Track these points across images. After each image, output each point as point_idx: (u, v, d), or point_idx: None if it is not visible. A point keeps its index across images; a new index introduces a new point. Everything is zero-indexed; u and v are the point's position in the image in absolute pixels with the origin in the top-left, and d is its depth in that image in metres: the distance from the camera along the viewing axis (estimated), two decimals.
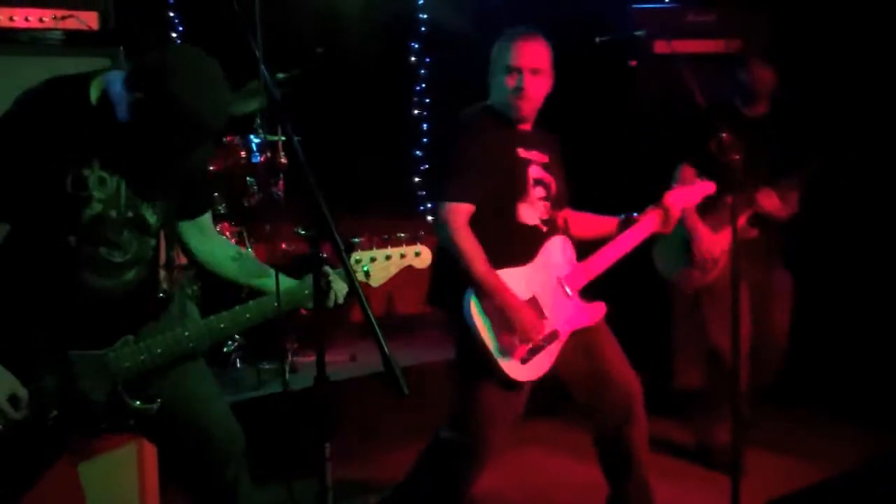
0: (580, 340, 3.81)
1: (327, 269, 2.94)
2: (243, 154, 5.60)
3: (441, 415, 4.60)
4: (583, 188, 4.11)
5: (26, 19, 3.52)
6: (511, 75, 3.71)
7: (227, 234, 5.44)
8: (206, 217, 3.16)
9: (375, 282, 3.03)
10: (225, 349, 5.45)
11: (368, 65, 6.83)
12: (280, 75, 5.38)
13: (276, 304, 2.93)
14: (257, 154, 5.61)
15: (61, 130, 2.70)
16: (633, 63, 5.81)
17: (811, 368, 5.60)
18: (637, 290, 5.67)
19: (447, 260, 3.61)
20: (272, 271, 2.99)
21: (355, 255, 3.00)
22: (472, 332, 3.61)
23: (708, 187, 4.14)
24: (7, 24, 3.51)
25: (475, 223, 3.65)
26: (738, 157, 3.64)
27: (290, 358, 5.43)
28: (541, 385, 3.86)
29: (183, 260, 5.20)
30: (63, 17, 3.64)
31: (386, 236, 3.05)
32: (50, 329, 2.80)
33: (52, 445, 2.88)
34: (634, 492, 3.97)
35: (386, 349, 2.35)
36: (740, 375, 4.60)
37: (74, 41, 3.73)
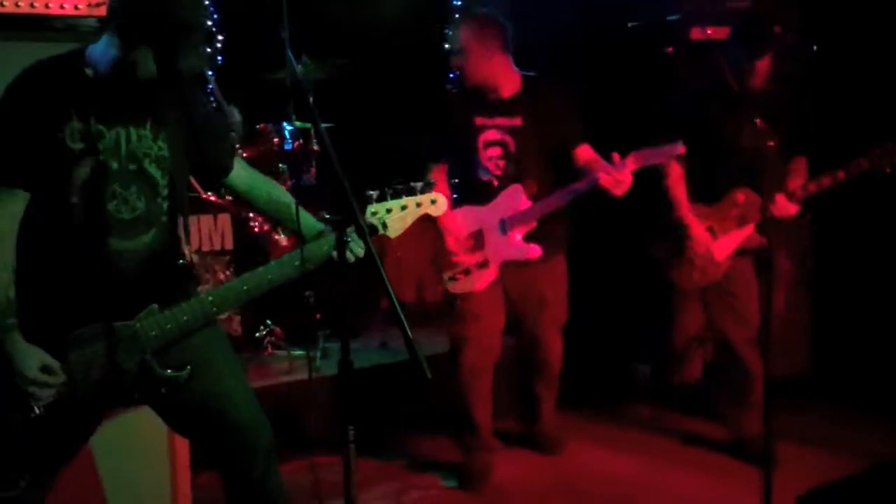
0: (526, 277, 4.61)
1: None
2: (276, 141, 5.63)
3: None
4: None
5: (61, 7, 3.53)
6: (455, 56, 4.72)
7: (259, 220, 5.46)
8: (238, 164, 3.19)
9: (393, 232, 2.99)
10: (257, 334, 5.48)
11: (402, 51, 6.81)
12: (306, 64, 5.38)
13: (296, 263, 2.92)
14: (290, 141, 5.63)
15: (55, 90, 2.77)
16: (670, 50, 5.75)
17: (845, 362, 5.54)
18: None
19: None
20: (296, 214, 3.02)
21: (371, 208, 2.96)
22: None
23: (676, 148, 4.15)
24: (43, 11, 3.52)
25: (452, 176, 4.70)
26: (772, 143, 3.60)
27: (321, 344, 5.45)
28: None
29: (215, 246, 5.29)
30: (97, 5, 3.65)
31: (400, 185, 2.99)
32: (75, 301, 2.81)
33: (87, 420, 2.91)
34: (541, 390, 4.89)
35: (409, 333, 2.34)
36: (742, 364, 4.61)
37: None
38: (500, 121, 4.53)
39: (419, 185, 3.01)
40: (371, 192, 2.96)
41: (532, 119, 4.51)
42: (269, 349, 5.49)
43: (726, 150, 4.49)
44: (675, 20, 5.41)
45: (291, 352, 5.34)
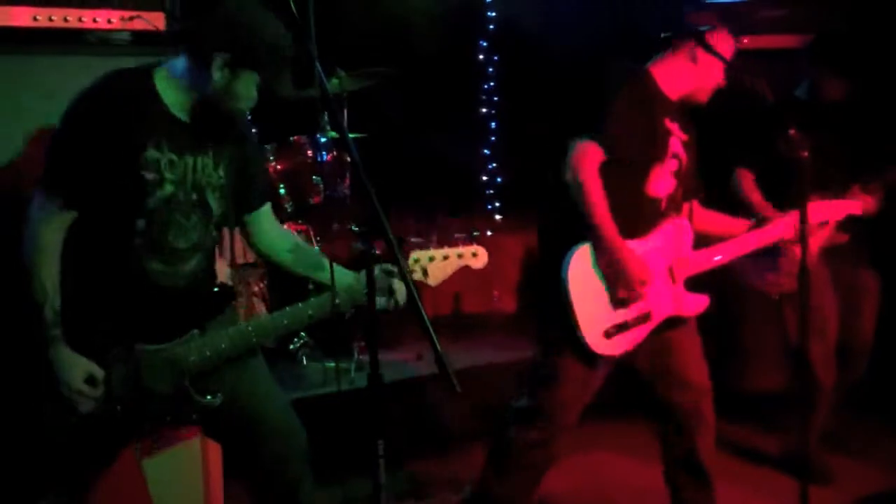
0: (666, 332, 3.75)
1: (389, 266, 2.97)
2: (310, 153, 5.63)
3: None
4: None
5: (94, 20, 3.57)
6: (723, 73, 3.78)
7: (294, 232, 5.47)
8: (266, 208, 3.20)
9: (434, 280, 3.06)
10: (291, 346, 5.49)
11: (436, 63, 6.81)
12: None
13: (336, 301, 2.95)
14: (324, 153, 5.64)
15: (130, 116, 2.77)
16: None
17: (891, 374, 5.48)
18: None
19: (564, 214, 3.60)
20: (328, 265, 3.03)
21: (414, 255, 3.02)
22: (564, 292, 3.53)
23: (854, 206, 4.08)
24: (76, 24, 3.56)
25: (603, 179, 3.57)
26: (806, 153, 3.56)
27: (356, 356, 5.45)
28: (610, 384, 3.84)
29: (249, 258, 5.31)
30: (130, 18, 3.69)
31: (439, 236, 3.09)
32: (119, 321, 2.85)
33: (120, 435, 2.93)
34: (696, 494, 3.93)
35: (438, 347, 2.34)
36: (814, 378, 4.54)
37: (141, 41, 3.78)
38: (678, 131, 3.79)
39: (462, 237, 3.10)
40: (415, 240, 3.05)
41: (692, 142, 3.85)
42: (304, 361, 5.49)
43: (765, 161, 4.47)
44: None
45: (326, 364, 5.34)
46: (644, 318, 3.65)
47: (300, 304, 3.00)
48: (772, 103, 3.93)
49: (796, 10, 5.70)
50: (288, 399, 3.23)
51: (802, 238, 3.60)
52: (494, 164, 7.49)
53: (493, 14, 7.38)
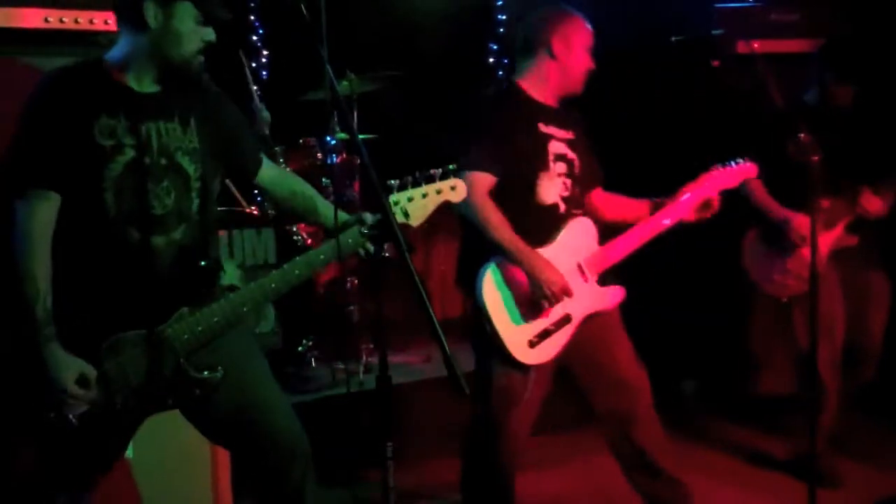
0: (590, 332, 3.76)
1: (368, 216, 3.02)
2: (320, 155, 5.65)
3: None
4: (657, 188, 4.06)
5: (106, 22, 3.57)
6: (588, 55, 3.80)
7: (304, 233, 5.48)
8: (265, 165, 3.22)
9: (415, 220, 3.02)
10: (300, 348, 5.49)
11: (446, 65, 6.82)
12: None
13: (321, 256, 2.97)
14: (333, 155, 5.65)
15: (83, 92, 2.80)
16: (716, 63, 5.72)
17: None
18: (717, 295, 5.60)
19: (470, 239, 3.70)
20: (323, 208, 3.15)
21: (392, 197, 2.98)
22: (483, 313, 3.59)
23: (748, 170, 4.00)
24: (87, 27, 3.57)
25: (494, 201, 3.64)
26: (816, 157, 3.56)
27: (364, 358, 5.45)
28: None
29: (259, 259, 5.31)
30: None
31: (418, 174, 3.01)
32: (109, 305, 2.82)
33: (124, 428, 2.91)
34: (665, 492, 3.93)
35: (447, 349, 2.33)
36: (822, 382, 4.53)
37: None
38: (558, 132, 3.80)
39: (438, 172, 3.03)
40: (391, 182, 2.99)
41: (580, 135, 3.89)
42: (312, 363, 5.50)
43: (773, 164, 4.47)
44: (719, 34, 5.38)
45: (335, 366, 5.34)
46: (565, 321, 3.68)
47: (285, 265, 2.97)
48: (781, 107, 3.94)
49: (807, 14, 5.69)
50: (289, 401, 3.20)
51: (813, 242, 3.60)
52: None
53: (503, 17, 7.38)
